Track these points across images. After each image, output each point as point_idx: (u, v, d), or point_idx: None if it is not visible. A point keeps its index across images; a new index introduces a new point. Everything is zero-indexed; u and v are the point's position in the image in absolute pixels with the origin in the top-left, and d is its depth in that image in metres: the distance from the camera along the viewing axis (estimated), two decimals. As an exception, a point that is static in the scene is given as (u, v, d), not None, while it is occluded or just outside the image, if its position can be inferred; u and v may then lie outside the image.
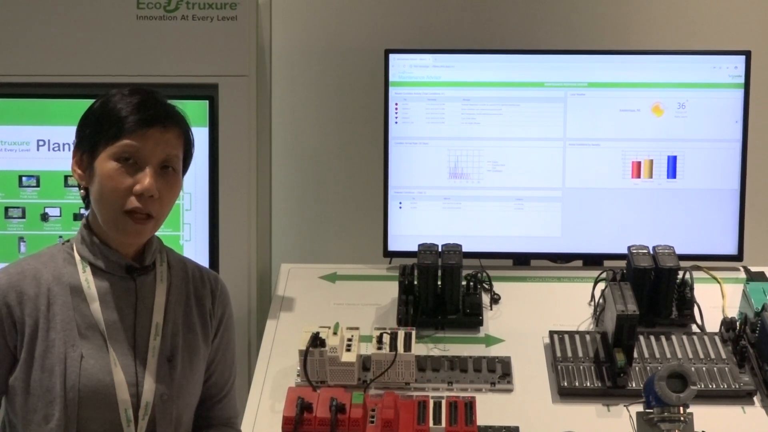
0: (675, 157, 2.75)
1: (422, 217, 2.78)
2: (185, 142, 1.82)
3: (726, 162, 2.74)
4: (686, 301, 2.45)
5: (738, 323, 2.36)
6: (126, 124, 1.72)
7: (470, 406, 2.11)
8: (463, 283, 2.52)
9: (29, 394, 1.70)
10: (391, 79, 2.76)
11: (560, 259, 2.81)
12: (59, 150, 2.68)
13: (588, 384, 2.24)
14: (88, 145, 1.75)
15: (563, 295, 2.60)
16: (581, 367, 2.28)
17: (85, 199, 1.80)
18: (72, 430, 1.70)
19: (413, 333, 2.27)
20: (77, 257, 1.78)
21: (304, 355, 2.21)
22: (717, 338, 2.36)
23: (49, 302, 1.72)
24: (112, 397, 1.72)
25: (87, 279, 1.76)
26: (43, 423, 1.70)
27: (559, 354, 2.32)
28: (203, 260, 2.70)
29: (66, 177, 2.69)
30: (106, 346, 1.74)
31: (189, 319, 1.86)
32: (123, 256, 1.79)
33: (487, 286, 2.60)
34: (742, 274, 2.66)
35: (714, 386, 2.22)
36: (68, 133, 2.65)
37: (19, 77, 2.68)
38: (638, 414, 1.98)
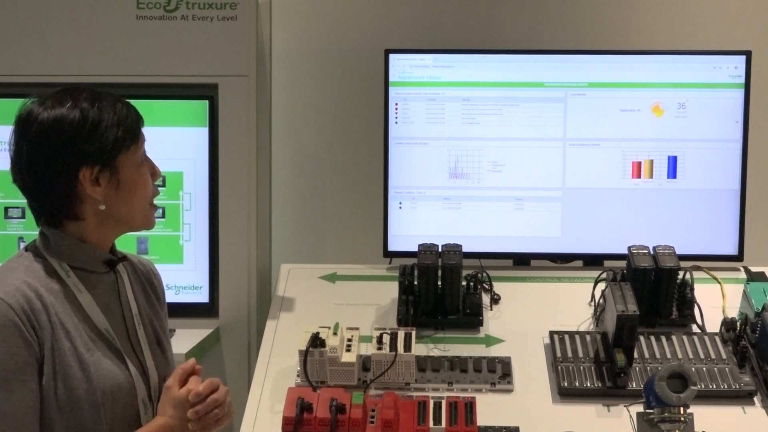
0: (675, 157, 2.75)
1: (422, 217, 2.78)
2: None
3: (726, 162, 2.74)
4: (686, 302, 2.45)
5: (738, 323, 2.36)
6: (139, 125, 1.80)
7: (470, 406, 2.11)
8: (463, 283, 2.52)
9: (58, 407, 1.69)
10: (391, 79, 2.76)
11: (560, 260, 2.81)
12: (59, 150, 2.67)
13: (588, 384, 2.24)
14: (105, 159, 1.73)
15: (563, 296, 2.60)
16: (581, 368, 2.28)
17: (75, 213, 1.76)
18: (107, 430, 1.73)
19: (413, 333, 2.27)
20: (55, 263, 1.76)
21: (304, 355, 2.21)
22: (717, 338, 2.36)
23: (55, 312, 1.71)
24: (132, 391, 1.77)
25: (75, 283, 1.75)
26: (84, 430, 1.71)
27: (559, 354, 2.32)
28: (203, 260, 2.70)
29: (66, 177, 2.68)
30: (113, 345, 1.77)
31: (151, 303, 1.94)
32: (102, 251, 1.81)
33: (487, 287, 2.59)
34: (743, 274, 2.66)
35: (714, 386, 2.22)
36: (68, 133, 2.66)
37: (19, 77, 2.67)
38: (638, 414, 1.98)
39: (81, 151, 1.72)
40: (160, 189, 2.62)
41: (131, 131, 1.77)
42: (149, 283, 1.96)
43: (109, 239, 1.82)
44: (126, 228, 1.83)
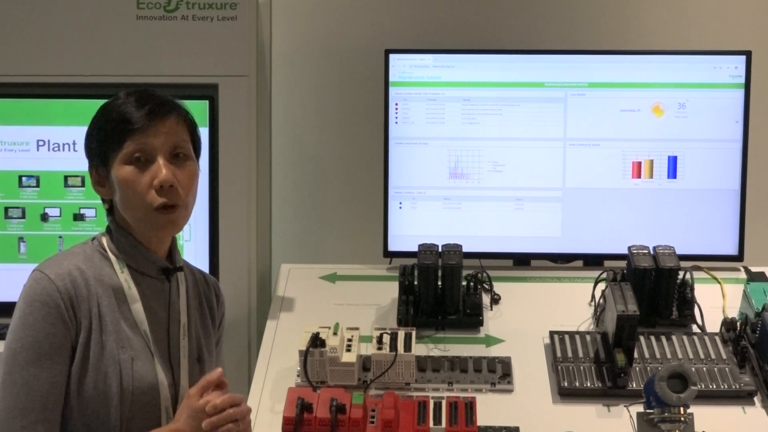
0: (675, 158, 2.75)
1: (422, 218, 2.78)
2: (189, 128, 1.84)
3: (726, 162, 2.74)
4: (687, 302, 2.45)
5: (738, 323, 2.35)
6: (127, 125, 1.74)
7: (470, 406, 2.11)
8: (463, 283, 2.52)
9: (81, 396, 1.71)
10: (391, 79, 2.76)
11: (560, 260, 2.81)
12: (59, 150, 2.68)
13: (588, 384, 2.24)
14: (99, 158, 1.78)
15: (563, 296, 2.60)
16: (581, 368, 2.28)
17: (110, 210, 1.83)
18: (124, 429, 1.73)
19: (413, 333, 2.27)
20: (112, 257, 1.79)
21: (304, 355, 2.21)
22: (717, 338, 2.36)
23: (98, 303, 1.73)
24: (157, 397, 1.77)
25: (126, 279, 1.78)
26: (95, 424, 1.72)
27: (559, 354, 2.32)
28: (203, 260, 2.70)
29: (66, 177, 2.69)
30: (149, 347, 1.77)
31: (204, 320, 1.94)
32: (159, 257, 1.81)
33: (487, 287, 2.59)
34: (743, 275, 2.66)
35: (714, 386, 2.22)
36: (68, 133, 2.67)
37: (19, 77, 2.67)
38: (639, 414, 1.98)
39: (86, 148, 1.81)
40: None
41: (116, 134, 1.74)
42: (207, 302, 1.96)
43: (154, 243, 1.81)
44: (142, 231, 1.79)
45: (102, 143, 1.76)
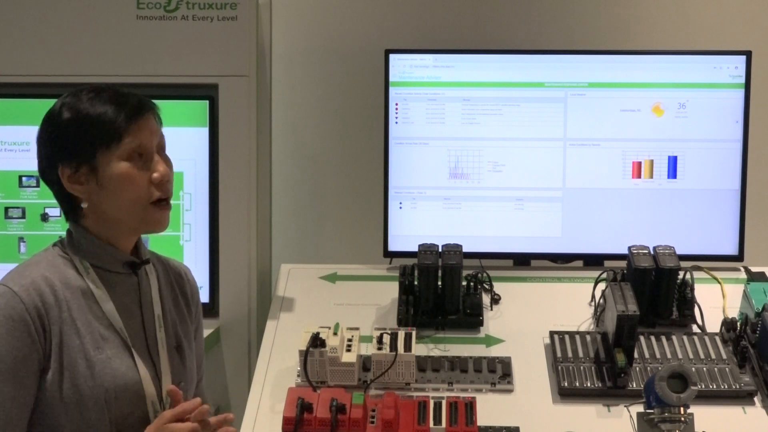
0: (675, 158, 2.75)
1: (422, 218, 2.78)
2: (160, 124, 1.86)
3: (726, 162, 2.74)
4: (687, 302, 2.45)
5: (738, 323, 2.36)
6: (121, 123, 1.73)
7: (470, 406, 2.11)
8: (464, 283, 2.52)
9: (63, 402, 1.70)
10: (391, 79, 2.76)
11: (560, 260, 2.81)
12: (59, 150, 2.68)
13: (588, 384, 2.24)
14: (83, 156, 1.74)
15: (563, 296, 2.60)
16: (581, 368, 2.28)
17: (74, 211, 1.79)
18: (112, 429, 1.72)
19: (413, 333, 2.27)
20: (76, 261, 1.77)
21: (305, 355, 2.21)
22: (717, 338, 2.36)
23: (68, 308, 1.72)
24: (141, 393, 1.76)
25: (93, 280, 1.76)
26: (85, 427, 1.71)
27: (559, 354, 2.32)
28: (203, 260, 2.70)
29: (66, 177, 2.69)
30: (126, 344, 1.76)
31: (179, 308, 1.93)
32: (123, 253, 1.81)
33: (487, 287, 2.59)
34: (743, 275, 2.66)
35: (714, 386, 2.22)
36: (68, 133, 2.66)
37: (19, 77, 2.68)
38: (639, 414, 1.98)
39: (59, 147, 1.75)
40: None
41: (111, 130, 1.72)
42: (180, 289, 1.95)
43: (121, 240, 1.80)
44: (125, 228, 1.79)
45: (90, 141, 1.73)
